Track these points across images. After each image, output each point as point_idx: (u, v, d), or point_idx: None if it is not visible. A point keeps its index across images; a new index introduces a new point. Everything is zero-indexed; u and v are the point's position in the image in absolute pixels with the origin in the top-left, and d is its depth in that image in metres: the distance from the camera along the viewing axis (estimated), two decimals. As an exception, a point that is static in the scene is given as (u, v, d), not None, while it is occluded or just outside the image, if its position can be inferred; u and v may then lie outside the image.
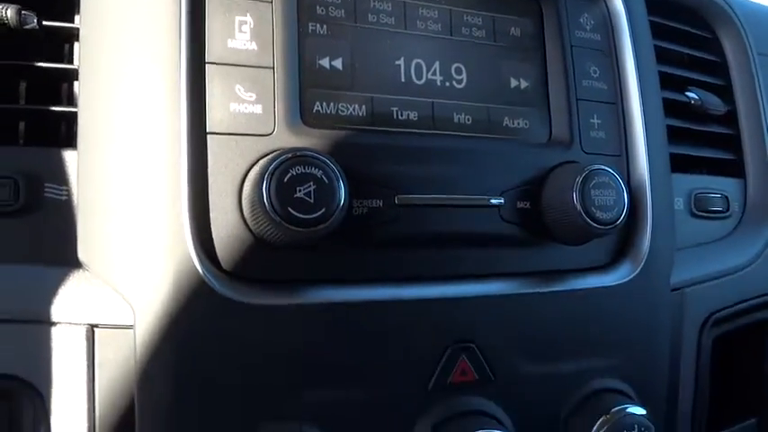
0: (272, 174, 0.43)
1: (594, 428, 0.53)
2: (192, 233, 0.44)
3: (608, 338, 0.57)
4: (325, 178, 0.44)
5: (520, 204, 0.54)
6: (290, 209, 0.43)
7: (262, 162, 0.44)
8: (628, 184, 0.59)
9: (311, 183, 0.44)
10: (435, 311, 0.50)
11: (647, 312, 0.59)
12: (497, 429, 0.49)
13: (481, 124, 0.55)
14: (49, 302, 0.42)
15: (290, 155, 0.44)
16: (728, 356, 0.73)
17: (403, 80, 0.53)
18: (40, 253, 0.44)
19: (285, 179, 0.43)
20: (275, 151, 0.45)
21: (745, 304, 0.69)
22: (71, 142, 0.47)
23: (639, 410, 0.54)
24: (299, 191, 0.43)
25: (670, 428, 0.64)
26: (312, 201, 0.44)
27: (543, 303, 0.54)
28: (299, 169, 0.44)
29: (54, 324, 0.42)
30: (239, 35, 0.47)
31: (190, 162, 0.44)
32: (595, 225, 0.53)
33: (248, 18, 0.47)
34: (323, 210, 0.44)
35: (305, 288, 0.47)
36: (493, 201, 0.53)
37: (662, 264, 0.60)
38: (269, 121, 0.47)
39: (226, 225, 0.45)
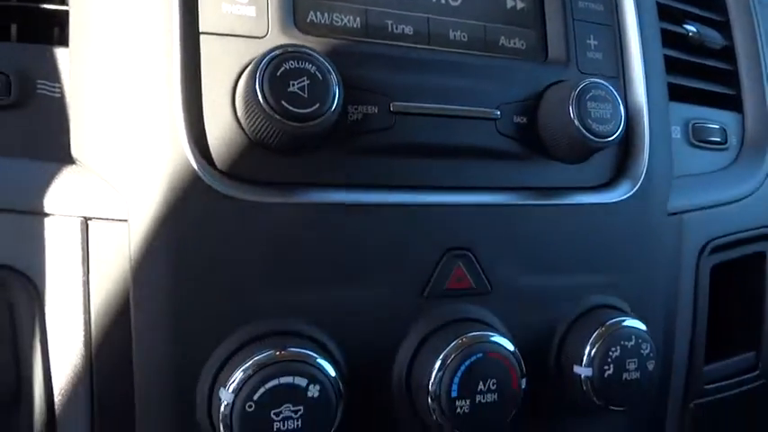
0: (266, 67, 0.43)
1: (590, 341, 0.53)
2: (186, 130, 0.44)
3: (605, 255, 0.56)
4: (318, 74, 0.44)
5: (516, 119, 0.54)
6: (283, 102, 0.43)
7: (255, 60, 0.44)
8: (625, 105, 0.59)
9: (305, 78, 0.43)
10: (431, 218, 0.50)
11: (645, 232, 0.59)
12: (493, 332, 0.49)
13: (477, 42, 0.55)
14: (42, 195, 0.42)
15: (282, 50, 0.43)
16: (728, 291, 0.73)
17: (398, -6, 0.52)
18: (33, 148, 0.44)
19: (278, 72, 0.43)
20: None
21: (743, 234, 0.69)
22: (64, 42, 0.46)
23: (637, 323, 0.54)
24: (293, 85, 0.43)
25: (667, 353, 0.64)
26: (306, 95, 0.43)
27: (540, 216, 0.54)
28: (292, 64, 0.43)
29: (48, 215, 0.42)
30: None
31: (183, 61, 0.44)
32: (592, 137, 0.53)
33: None
34: (317, 105, 0.44)
35: (299, 189, 0.47)
36: (489, 112, 0.53)
37: (659, 184, 0.60)
38: (262, 23, 0.47)
39: (219, 125, 0.45)
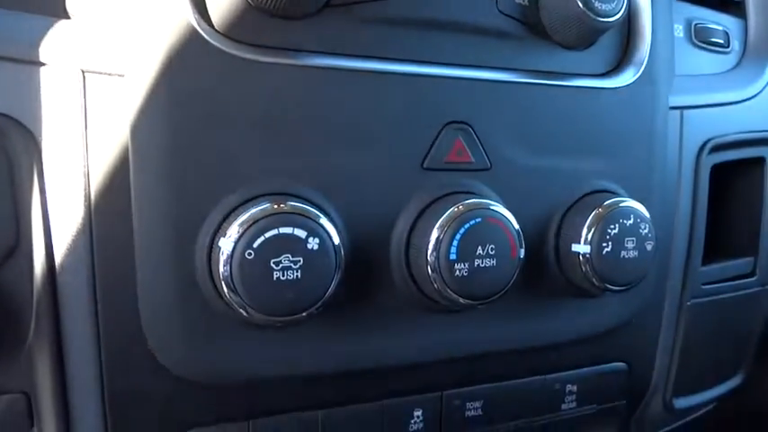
0: None
1: (589, 220, 0.53)
2: None
3: (606, 140, 0.56)
4: None
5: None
6: (281, -45, 0.42)
7: None
8: (627, -7, 0.58)
9: (302, -69, 0.43)
10: (431, 89, 0.49)
11: (646, 120, 0.58)
12: (493, 200, 0.49)
13: (477, -77, 0.54)
14: (38, 45, 0.41)
15: None
16: (728, 198, 0.73)
17: None
18: (27, 1, 0.43)
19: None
20: None
21: (743, 135, 0.68)
22: None
23: (637, 204, 0.54)
24: None
25: (665, 248, 0.64)
26: (304, -51, 0.43)
27: (542, 96, 0.53)
28: None
29: (44, 65, 0.42)
30: None
31: None
32: (595, 17, 0.52)
33: None
34: (315, -41, 0.43)
35: (299, 52, 0.46)
36: None
37: (661, 74, 0.59)
38: None
39: None
